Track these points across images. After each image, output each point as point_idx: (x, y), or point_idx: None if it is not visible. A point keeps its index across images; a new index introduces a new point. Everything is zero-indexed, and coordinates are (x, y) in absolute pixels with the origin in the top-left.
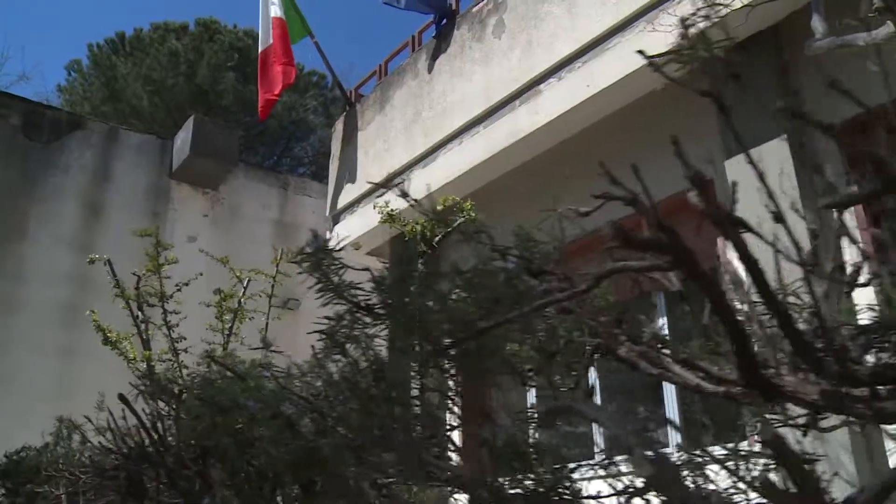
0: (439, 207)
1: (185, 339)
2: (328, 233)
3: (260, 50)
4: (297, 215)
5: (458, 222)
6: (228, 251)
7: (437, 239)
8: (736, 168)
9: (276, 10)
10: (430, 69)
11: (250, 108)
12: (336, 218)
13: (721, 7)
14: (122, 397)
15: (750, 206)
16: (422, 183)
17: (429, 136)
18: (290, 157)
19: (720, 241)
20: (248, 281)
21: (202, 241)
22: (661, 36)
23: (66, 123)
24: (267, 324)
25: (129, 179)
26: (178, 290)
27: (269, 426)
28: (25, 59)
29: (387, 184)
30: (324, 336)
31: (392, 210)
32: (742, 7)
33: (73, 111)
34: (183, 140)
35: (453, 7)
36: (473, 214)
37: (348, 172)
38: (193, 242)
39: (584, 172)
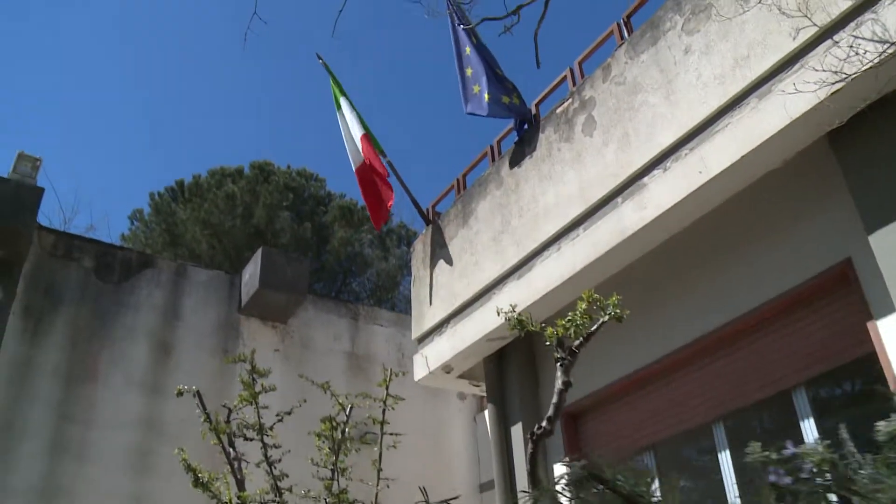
0: (583, 305)
1: (287, 475)
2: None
3: (354, 168)
4: (370, 346)
5: (602, 321)
6: (301, 386)
7: (578, 343)
8: (884, 242)
9: (358, 129)
10: (515, 176)
11: (306, 246)
12: (422, 341)
13: (845, 75)
14: None
15: None
16: (517, 296)
17: (521, 245)
18: (348, 292)
19: (870, 326)
20: (351, 408)
21: (274, 377)
22: (775, 110)
23: (136, 263)
24: (380, 455)
25: (198, 316)
26: (280, 420)
27: None
28: (93, 211)
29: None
30: None
31: (520, 314)
32: (870, 68)
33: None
34: (251, 274)
35: (534, 112)
36: (619, 311)
37: (432, 292)
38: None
39: (698, 267)
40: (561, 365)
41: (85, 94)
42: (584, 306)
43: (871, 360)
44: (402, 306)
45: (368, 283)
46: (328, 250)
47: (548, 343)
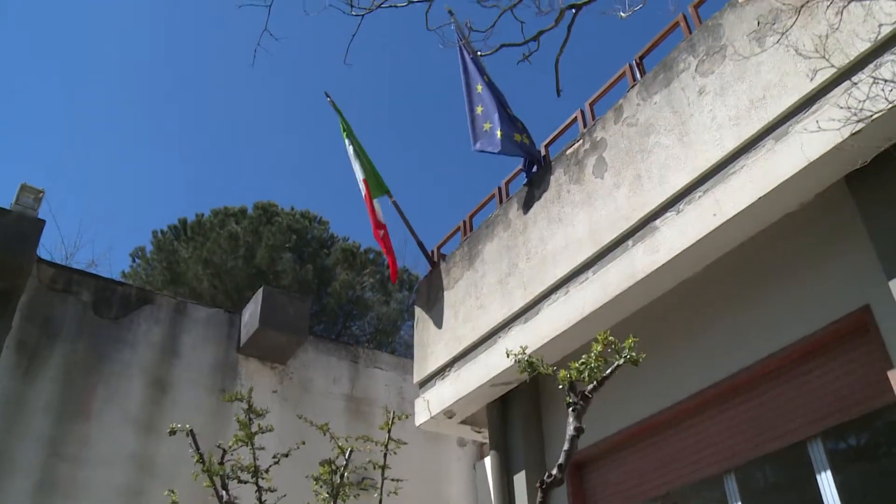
0: (597, 347)
1: None
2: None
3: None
4: (369, 389)
5: (618, 364)
6: (299, 428)
7: (590, 388)
8: None
9: (359, 173)
10: (523, 218)
11: (308, 288)
12: (424, 385)
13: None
14: None
15: None
16: (523, 340)
17: (528, 288)
18: (348, 335)
19: (891, 375)
20: (351, 451)
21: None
22: (792, 152)
23: (135, 299)
24: (381, 501)
25: (196, 354)
26: (276, 462)
27: None
28: (96, 247)
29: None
30: None
31: (531, 357)
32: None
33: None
34: (252, 313)
35: (543, 153)
36: (635, 355)
37: (435, 336)
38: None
39: (710, 312)
40: (573, 410)
41: (93, 129)
42: (598, 348)
43: (891, 412)
44: (402, 350)
45: (369, 327)
46: (329, 293)
47: (560, 387)
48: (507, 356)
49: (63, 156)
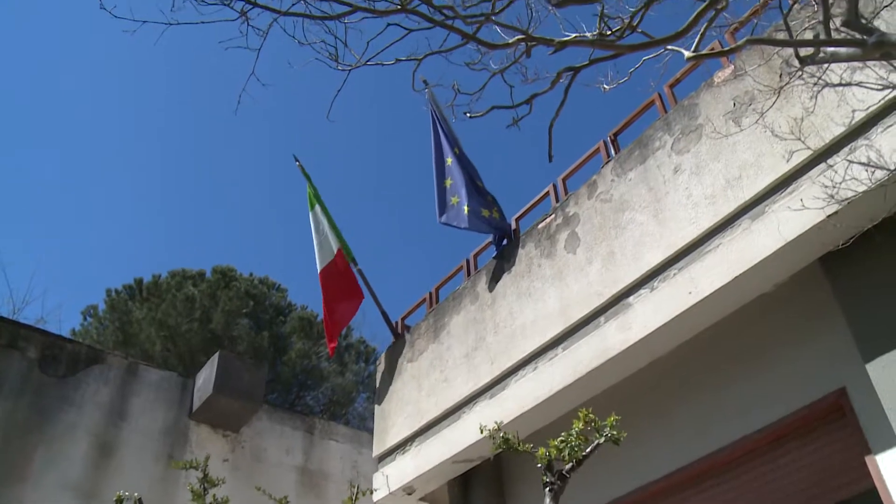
0: (579, 424)
1: None
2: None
3: (319, 271)
4: (323, 461)
5: (598, 443)
6: (251, 499)
7: (569, 467)
8: (883, 373)
9: (334, 243)
10: (492, 291)
11: (263, 355)
12: (384, 459)
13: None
14: None
15: None
16: (489, 416)
17: (495, 363)
18: (301, 405)
19: (868, 461)
20: None
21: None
22: (769, 232)
23: (84, 357)
24: None
25: (146, 418)
26: None
27: None
28: (46, 303)
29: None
30: None
31: (506, 433)
32: (865, 192)
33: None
34: (206, 378)
35: (513, 227)
36: (617, 433)
37: (397, 408)
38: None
39: (682, 392)
40: (550, 490)
41: (50, 181)
42: (580, 426)
43: (870, 498)
44: (356, 423)
45: (323, 398)
46: (284, 361)
47: (539, 465)
48: (482, 431)
49: (16, 207)
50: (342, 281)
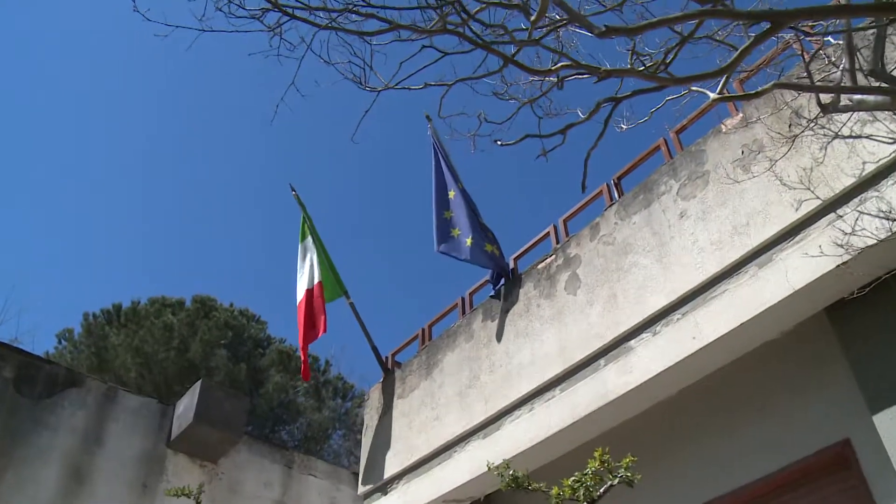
0: (594, 464)
1: None
2: None
3: (297, 303)
4: (301, 497)
5: (611, 484)
6: None
7: None
8: (891, 424)
9: (317, 275)
10: (488, 330)
11: (240, 388)
12: (369, 496)
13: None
14: None
15: None
16: (482, 456)
17: (490, 402)
18: (276, 440)
19: None
20: None
21: None
22: (777, 279)
23: (62, 380)
24: None
25: (122, 445)
26: None
27: None
28: (20, 324)
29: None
30: None
31: (515, 471)
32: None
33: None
34: (186, 406)
35: (512, 266)
36: (631, 475)
37: (385, 445)
38: None
39: (681, 439)
40: None
41: (30, 201)
42: (596, 465)
43: None
44: (330, 460)
45: (298, 433)
46: (261, 394)
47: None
48: (489, 468)
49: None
50: (315, 310)
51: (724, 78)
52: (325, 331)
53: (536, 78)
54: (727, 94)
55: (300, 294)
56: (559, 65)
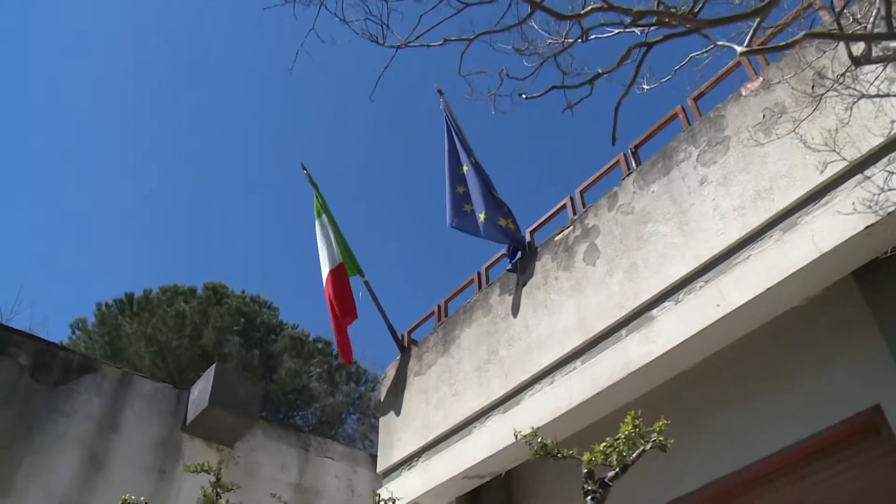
0: (627, 428)
1: None
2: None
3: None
4: (318, 479)
5: (643, 449)
6: None
7: (612, 474)
8: None
9: (337, 257)
10: (506, 304)
11: (253, 374)
12: (388, 474)
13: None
14: None
15: None
16: (502, 431)
17: (509, 376)
18: (290, 425)
19: None
20: None
21: None
22: (803, 243)
23: (77, 366)
24: None
25: (138, 430)
26: None
27: None
28: (34, 315)
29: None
30: None
31: (543, 439)
32: None
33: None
34: (201, 390)
35: (528, 239)
36: (663, 439)
37: (403, 423)
38: None
39: (707, 408)
40: (592, 500)
41: (42, 192)
42: (628, 429)
43: None
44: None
45: (312, 418)
46: (275, 380)
47: (585, 470)
48: (516, 437)
49: (7, 216)
50: (342, 294)
51: (751, 30)
52: (356, 315)
53: (556, 40)
54: (753, 48)
55: (325, 273)
56: (589, 7)
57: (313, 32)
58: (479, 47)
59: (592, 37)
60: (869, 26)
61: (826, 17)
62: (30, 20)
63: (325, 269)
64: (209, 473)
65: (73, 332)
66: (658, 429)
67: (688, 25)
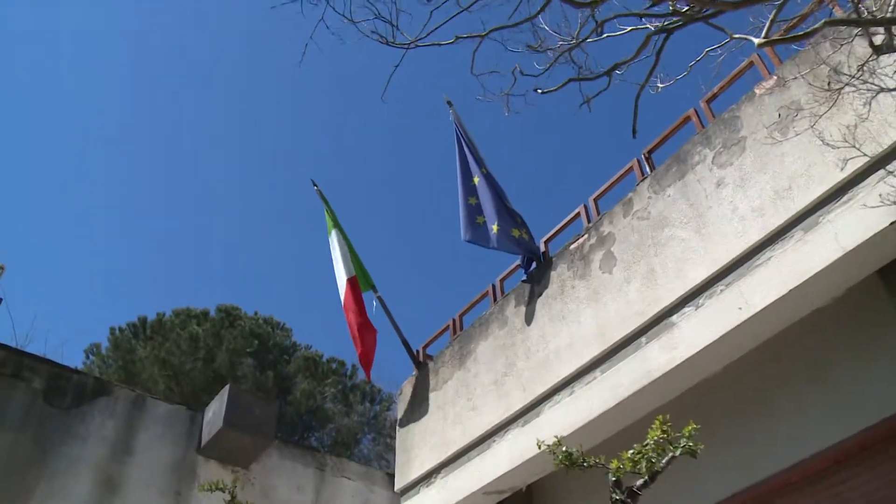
0: (655, 434)
1: None
2: None
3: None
4: (335, 499)
5: (672, 455)
6: None
7: (641, 482)
8: None
9: (349, 270)
10: (522, 315)
11: (267, 396)
12: (406, 492)
13: None
14: None
15: None
16: (522, 444)
17: (528, 389)
18: (306, 446)
19: None
20: None
21: None
22: (826, 242)
23: (90, 389)
24: None
25: (152, 453)
26: None
27: None
28: (49, 341)
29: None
30: None
31: (568, 448)
32: None
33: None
34: (215, 412)
35: (542, 249)
36: (693, 445)
37: (420, 439)
38: None
39: (732, 415)
40: None
41: (55, 218)
42: (657, 434)
43: None
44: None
45: (327, 439)
46: (289, 401)
47: (613, 479)
48: (539, 446)
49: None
50: (357, 309)
51: (767, 22)
52: (375, 330)
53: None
54: (771, 39)
55: (342, 285)
56: None
57: (321, 30)
58: (491, 47)
59: (605, 35)
60: (889, 13)
61: (839, 13)
62: (33, 20)
63: (342, 280)
64: (223, 492)
65: (88, 357)
66: (688, 433)
67: (709, 10)
